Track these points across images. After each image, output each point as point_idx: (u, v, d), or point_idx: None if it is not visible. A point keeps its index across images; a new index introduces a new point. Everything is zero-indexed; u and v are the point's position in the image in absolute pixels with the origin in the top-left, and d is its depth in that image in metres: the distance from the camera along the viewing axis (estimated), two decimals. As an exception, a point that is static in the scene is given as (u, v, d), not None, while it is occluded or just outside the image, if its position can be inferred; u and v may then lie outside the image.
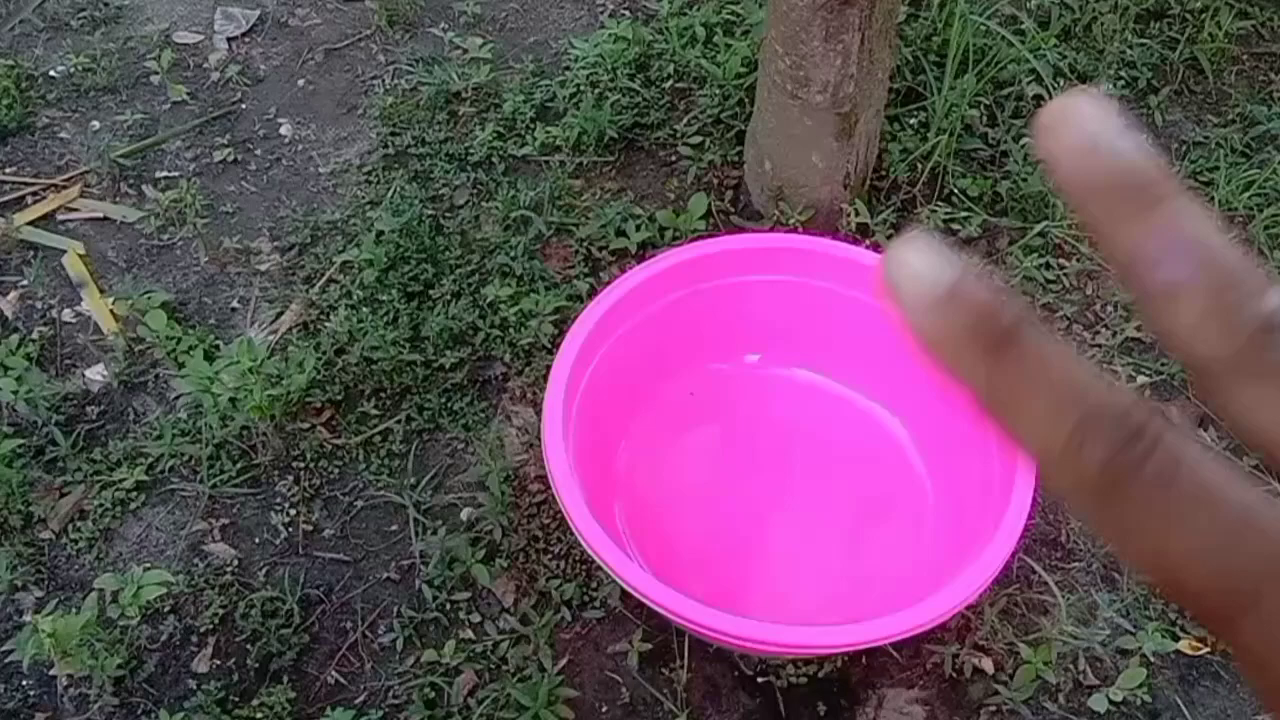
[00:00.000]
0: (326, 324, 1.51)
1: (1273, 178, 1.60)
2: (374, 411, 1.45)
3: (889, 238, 1.55)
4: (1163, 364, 1.46)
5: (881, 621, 1.09)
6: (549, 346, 1.47)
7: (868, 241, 1.54)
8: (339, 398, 1.46)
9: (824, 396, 1.43)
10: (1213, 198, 1.60)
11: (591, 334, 1.25)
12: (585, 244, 1.58)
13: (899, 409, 1.39)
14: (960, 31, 1.57)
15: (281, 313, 1.55)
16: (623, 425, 1.38)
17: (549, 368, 1.41)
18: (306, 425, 1.44)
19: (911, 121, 1.62)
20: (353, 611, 1.31)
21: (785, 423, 1.42)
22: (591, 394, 1.27)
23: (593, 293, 1.51)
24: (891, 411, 1.40)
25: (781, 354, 1.44)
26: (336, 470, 1.41)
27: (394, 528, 1.37)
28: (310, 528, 1.37)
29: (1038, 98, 1.67)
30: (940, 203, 1.60)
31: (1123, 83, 1.77)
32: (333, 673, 1.26)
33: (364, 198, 1.69)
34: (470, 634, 1.28)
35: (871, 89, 1.46)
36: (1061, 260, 1.56)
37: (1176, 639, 1.26)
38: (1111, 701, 1.23)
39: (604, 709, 1.24)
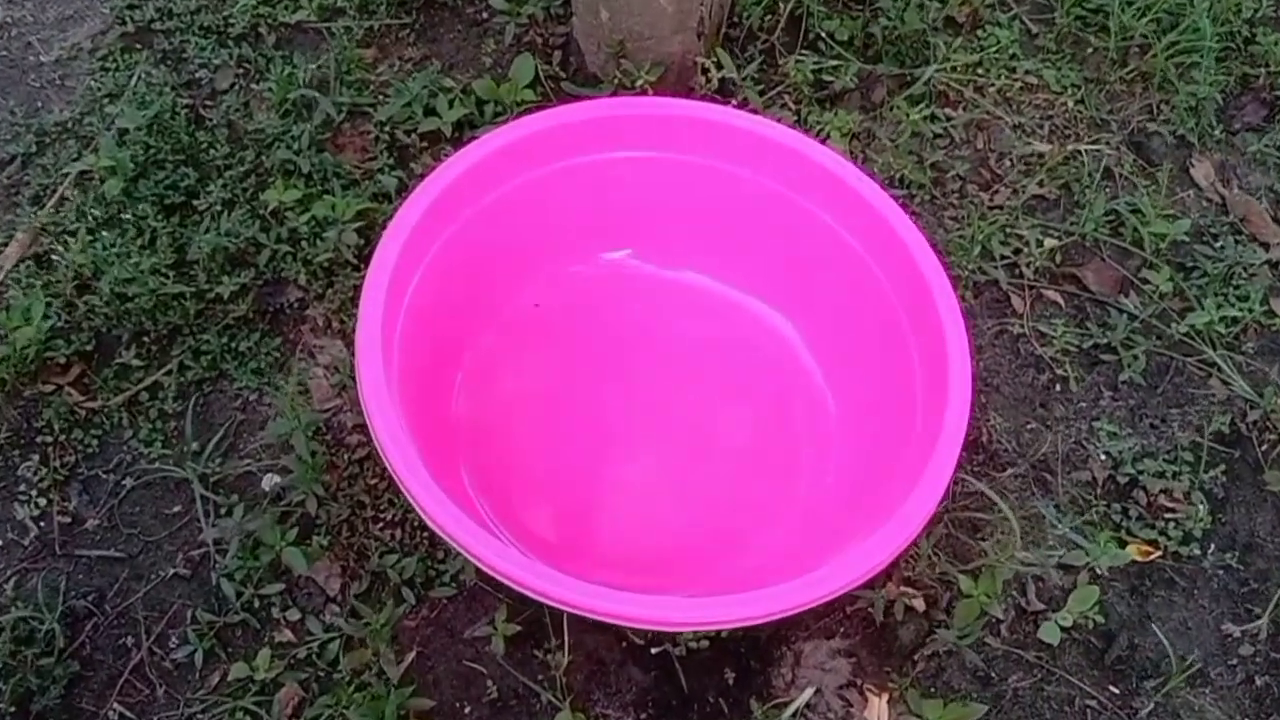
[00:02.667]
0: (63, 254, 1.18)
1: None
2: (136, 362, 1.14)
3: (760, 95, 1.30)
4: (1072, 223, 1.27)
5: (806, 582, 0.87)
6: (354, 261, 1.18)
7: (734, 101, 1.28)
8: (88, 348, 1.14)
9: (704, 301, 1.19)
10: (1107, 28, 1.40)
11: (409, 241, 0.98)
12: (387, 128, 1.28)
13: (796, 315, 1.17)
14: None
15: (3, 245, 1.21)
16: (457, 352, 1.11)
17: (357, 288, 1.14)
18: (49, 388, 1.12)
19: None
20: (134, 623, 1.02)
21: (658, 336, 1.18)
22: (416, 317, 0.99)
23: (403, 189, 1.23)
24: (787, 317, 1.17)
25: (649, 250, 1.19)
26: (95, 442, 1.10)
27: (177, 509, 1.08)
28: (68, 519, 1.07)
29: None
30: (806, 51, 1.35)
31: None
32: (115, 706, 0.99)
33: (100, 90, 1.34)
34: (289, 636, 1.02)
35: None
36: (948, 110, 1.34)
37: (1123, 545, 1.09)
38: (1061, 628, 1.06)
39: (467, 709, 1.00)
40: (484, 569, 0.84)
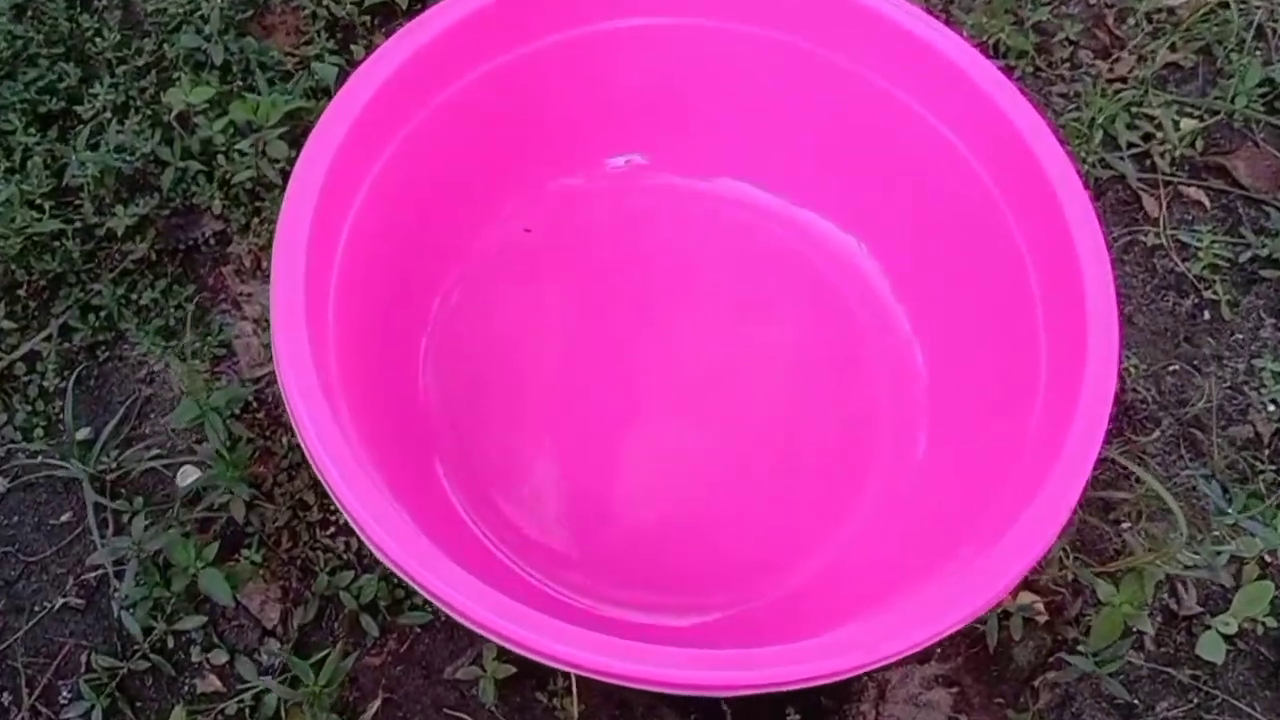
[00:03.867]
0: (-89, 183, 0.91)
1: None
2: (7, 324, 0.87)
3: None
4: (1216, 98, 0.99)
5: (919, 611, 0.61)
6: (284, 180, 0.91)
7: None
8: (-58, 308, 0.88)
9: (748, 222, 0.90)
10: None
11: (344, 150, 0.71)
12: (325, 1, 0.99)
13: (873, 238, 0.88)
14: None
15: None
16: (421, 304, 0.84)
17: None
18: (-104, 360, 0.87)
19: None
20: (11, 672, 0.78)
21: (687, 270, 0.89)
22: (359, 258, 0.72)
23: (345, 78, 0.94)
24: (861, 241, 0.88)
25: (671, 153, 0.90)
26: (-44, 431, 0.85)
27: (66, 517, 0.82)
28: (-76, 534, 0.82)
29: None
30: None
31: None
32: (-13, 788, 0.75)
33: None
34: (214, 684, 0.77)
35: None
36: (1049, -46, 1.04)
37: (1303, 523, 0.83)
38: (1223, 636, 0.80)
39: (452, 776, 0.76)
40: (458, 619, 0.59)
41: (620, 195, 0.91)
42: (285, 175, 0.90)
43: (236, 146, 0.90)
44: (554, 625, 0.56)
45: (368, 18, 0.99)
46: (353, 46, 0.97)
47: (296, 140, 0.91)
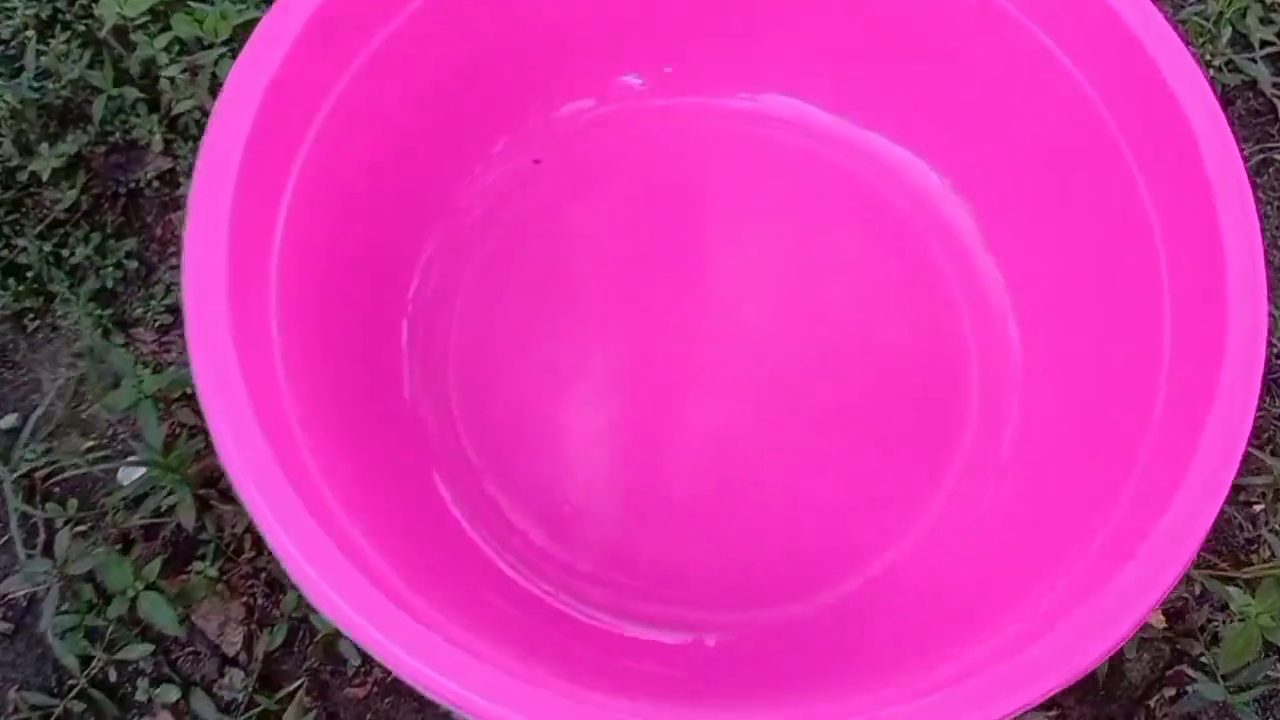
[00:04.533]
0: None
1: None
2: (-86, 290, 0.74)
3: None
4: (1367, -21, 0.81)
5: (1051, 649, 0.46)
6: (240, 108, 0.75)
7: None
8: None
9: (805, 149, 0.73)
10: None
11: (289, 67, 0.53)
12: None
13: (960, 173, 0.71)
14: None
15: None
16: (401, 271, 0.68)
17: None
18: None
19: None
20: (-72, 711, 0.66)
21: (729, 214, 0.72)
22: (313, 211, 0.56)
23: (308, -13, 0.79)
24: (944, 176, 0.71)
25: (700, 66, 0.73)
26: None
27: (-11, 525, 0.70)
28: None
29: None
30: None
31: None
32: None
33: None
34: (166, 724, 0.65)
35: None
36: None
37: None
38: (1391, 652, 0.66)
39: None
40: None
41: (647, 116, 0.74)
42: (240, 102, 0.75)
43: (182, 67, 0.75)
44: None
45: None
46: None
47: (252, 59, 0.76)
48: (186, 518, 0.66)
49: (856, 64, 0.71)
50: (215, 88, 0.74)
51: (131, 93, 0.76)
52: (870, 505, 0.65)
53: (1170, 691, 0.66)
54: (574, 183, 0.72)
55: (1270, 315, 0.54)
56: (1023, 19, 0.62)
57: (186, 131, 0.76)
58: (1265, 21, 0.79)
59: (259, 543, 0.67)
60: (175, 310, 0.73)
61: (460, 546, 0.62)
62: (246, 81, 0.52)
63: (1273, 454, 0.70)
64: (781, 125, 0.74)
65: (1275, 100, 0.79)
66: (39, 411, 0.70)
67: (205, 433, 0.68)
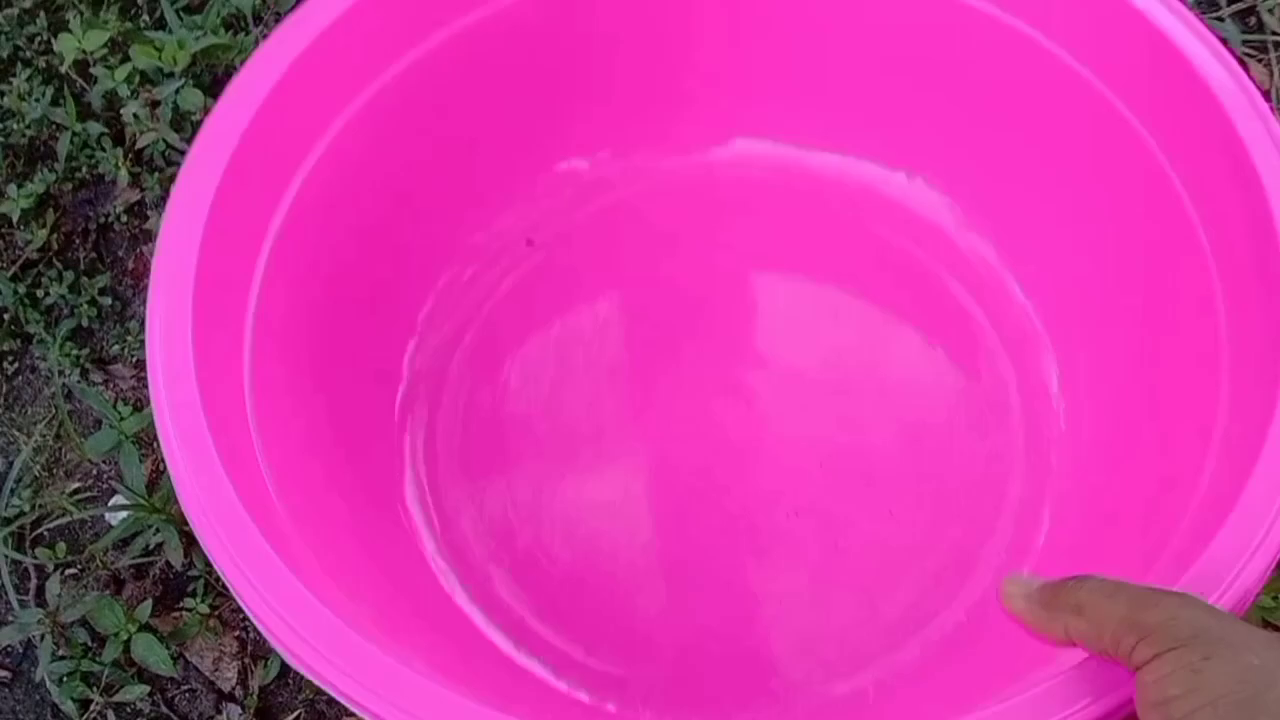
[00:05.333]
0: None
1: None
2: (-109, 341, 0.74)
3: None
4: (1344, -71, 0.79)
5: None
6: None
7: None
8: None
9: (827, 202, 0.70)
10: None
11: (261, 124, 0.51)
12: (240, -92, 0.82)
13: (1002, 232, 0.67)
14: None
15: None
16: (389, 351, 0.65)
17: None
18: None
19: None
20: (-67, 761, 0.66)
21: (747, 279, 0.69)
22: (293, 285, 0.54)
23: (264, 12, 0.77)
24: (989, 241, 0.68)
25: (726, 111, 0.70)
26: None
27: (-19, 572, 0.70)
28: None
29: None
30: None
31: None
32: None
33: None
34: (167, 764, 0.65)
35: None
36: None
37: None
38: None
39: None
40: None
41: (665, 179, 0.71)
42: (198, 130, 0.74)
43: (145, 99, 0.74)
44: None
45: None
46: (274, -38, 0.80)
47: (212, 86, 0.75)
48: (174, 555, 0.66)
49: (880, 119, 0.69)
50: (177, 119, 0.73)
51: (95, 128, 0.75)
52: (911, 584, 0.62)
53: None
54: (588, 256, 0.70)
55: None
56: (1099, 86, 0.58)
57: (152, 163, 0.76)
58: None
59: (249, 575, 0.67)
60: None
61: (468, 634, 0.60)
62: (209, 153, 0.50)
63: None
64: (792, 173, 0.72)
65: (1245, 58, 0.77)
66: (22, 457, 0.70)
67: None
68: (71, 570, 0.68)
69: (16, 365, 0.73)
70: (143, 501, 0.63)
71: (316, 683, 0.39)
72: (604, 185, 0.70)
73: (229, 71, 0.76)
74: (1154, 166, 0.55)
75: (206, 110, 0.73)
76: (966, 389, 0.66)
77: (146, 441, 0.68)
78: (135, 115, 0.74)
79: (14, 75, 0.77)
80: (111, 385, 0.72)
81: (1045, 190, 0.64)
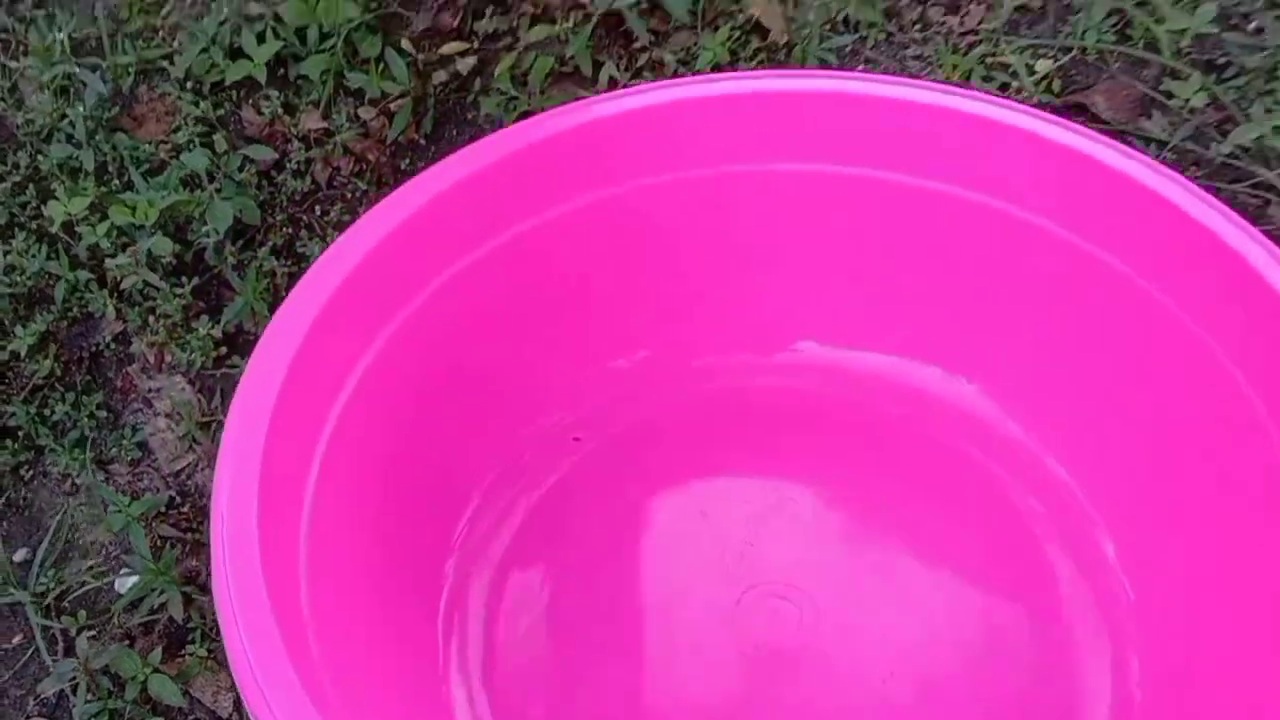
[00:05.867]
0: None
1: None
2: (-71, 461, 0.90)
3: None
4: (1067, 36, 1.00)
5: None
6: (175, 269, 0.93)
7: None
8: None
9: (893, 414, 0.75)
10: None
11: (307, 357, 0.59)
12: (189, 86, 1.01)
13: (1068, 448, 0.72)
14: None
15: None
16: (431, 567, 0.71)
17: (186, 308, 0.90)
18: None
19: None
20: (-10, 797, 0.82)
21: (816, 487, 0.72)
22: (339, 510, 0.61)
23: (216, 172, 0.96)
24: (1060, 463, 0.72)
25: (787, 321, 0.77)
26: (-98, 570, 0.88)
27: (18, 639, 0.85)
28: (-112, 675, 0.85)
29: None
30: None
31: None
32: None
33: None
34: (183, 778, 0.81)
35: None
36: (889, -84, 1.05)
37: None
38: None
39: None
40: None
41: (682, 381, 0.76)
42: (176, 261, 0.92)
43: (124, 248, 0.92)
44: None
45: (232, 93, 1.01)
46: (223, 130, 0.98)
47: (178, 233, 0.93)
48: (176, 611, 0.82)
49: (942, 334, 0.74)
50: (152, 262, 0.91)
51: (84, 275, 0.93)
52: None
53: None
54: (616, 458, 0.73)
55: None
56: (1148, 289, 0.64)
57: (131, 300, 0.93)
58: (987, 79, 0.98)
59: (236, 622, 0.84)
60: (143, 444, 0.90)
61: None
62: (273, 353, 0.58)
63: None
64: (856, 382, 0.75)
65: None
66: (44, 544, 0.87)
67: (183, 541, 0.85)
68: (91, 632, 0.84)
69: (32, 472, 0.90)
70: (152, 567, 0.80)
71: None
72: (654, 385, 0.74)
73: (190, 221, 0.94)
74: (1228, 385, 0.59)
75: (175, 255, 0.91)
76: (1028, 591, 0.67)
77: (146, 521, 0.85)
78: (117, 264, 0.91)
79: (13, 237, 0.95)
80: (111, 481, 0.89)
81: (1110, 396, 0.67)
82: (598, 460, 0.72)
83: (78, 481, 0.89)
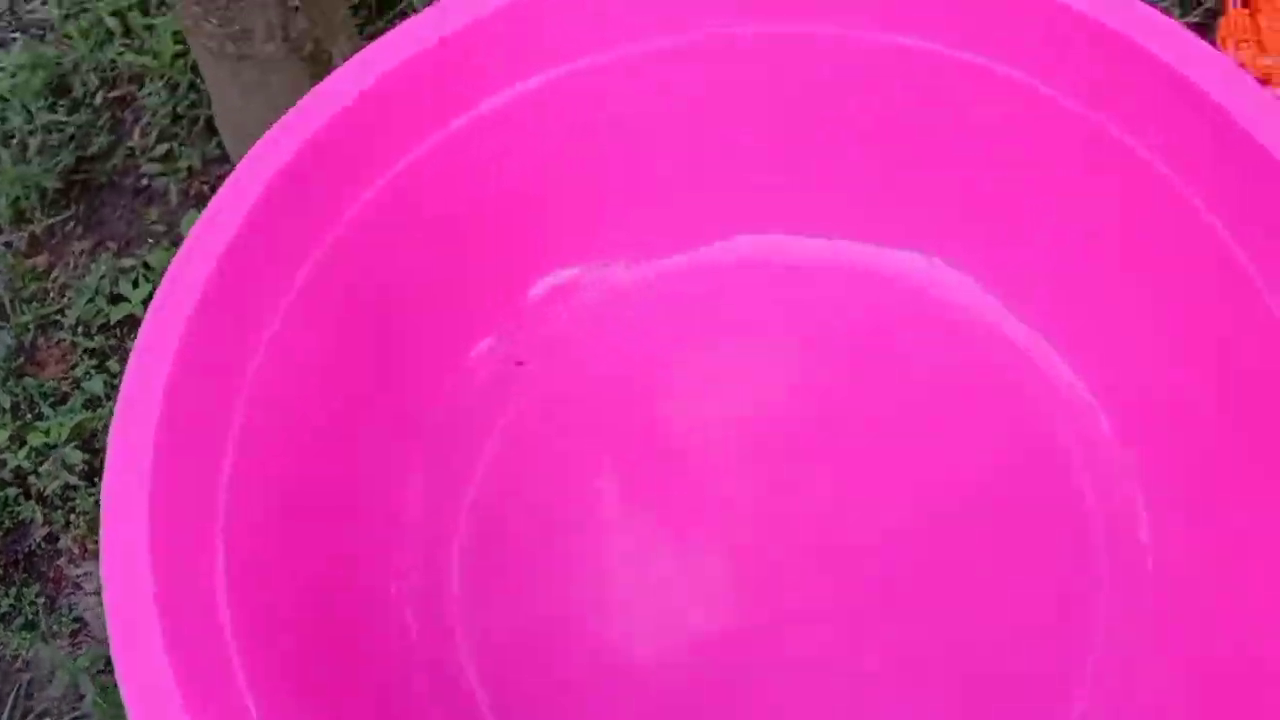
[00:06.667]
0: None
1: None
2: (-103, 665, 1.08)
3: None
4: None
5: None
6: (87, 473, 1.13)
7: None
8: None
9: (899, 314, 0.71)
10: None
11: (213, 299, 0.54)
12: (80, 331, 1.23)
13: (1091, 366, 0.68)
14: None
15: None
16: (380, 521, 0.67)
17: (97, 504, 1.09)
18: None
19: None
20: None
21: (802, 402, 0.69)
22: (265, 459, 0.57)
23: (113, 391, 1.18)
24: (1082, 379, 0.68)
25: (733, 207, 0.72)
26: (-118, 762, 1.04)
27: (-10, 797, 1.02)
28: None
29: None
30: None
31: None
32: None
33: None
34: None
35: (331, 13, 1.17)
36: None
37: None
38: None
39: None
40: None
41: (623, 295, 0.71)
42: (88, 469, 1.13)
43: (42, 465, 1.13)
44: None
45: (115, 330, 1.23)
46: (111, 361, 1.21)
47: (86, 444, 1.14)
48: (124, 741, 1.00)
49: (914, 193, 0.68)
50: (69, 466, 1.12)
51: (12, 492, 1.13)
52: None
53: None
54: (565, 381, 0.69)
55: None
56: (1191, 200, 0.57)
57: (53, 505, 1.13)
58: None
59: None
60: (79, 619, 1.08)
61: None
62: (154, 341, 0.51)
63: None
64: (830, 271, 0.71)
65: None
66: (4, 715, 1.04)
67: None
68: (54, 776, 1.01)
69: (-14, 658, 1.08)
70: (102, 704, 0.98)
71: None
72: (596, 298, 0.71)
73: (94, 433, 1.15)
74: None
75: (85, 462, 1.12)
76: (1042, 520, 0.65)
77: (91, 674, 1.03)
78: (39, 475, 1.12)
79: (-53, 473, 1.15)
80: (54, 657, 1.07)
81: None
82: (543, 383, 0.67)
83: (27, 657, 1.07)
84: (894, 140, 0.66)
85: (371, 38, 0.65)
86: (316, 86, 0.60)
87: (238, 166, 0.57)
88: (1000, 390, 0.68)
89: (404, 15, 1.29)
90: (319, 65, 1.16)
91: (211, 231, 0.54)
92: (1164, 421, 0.63)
